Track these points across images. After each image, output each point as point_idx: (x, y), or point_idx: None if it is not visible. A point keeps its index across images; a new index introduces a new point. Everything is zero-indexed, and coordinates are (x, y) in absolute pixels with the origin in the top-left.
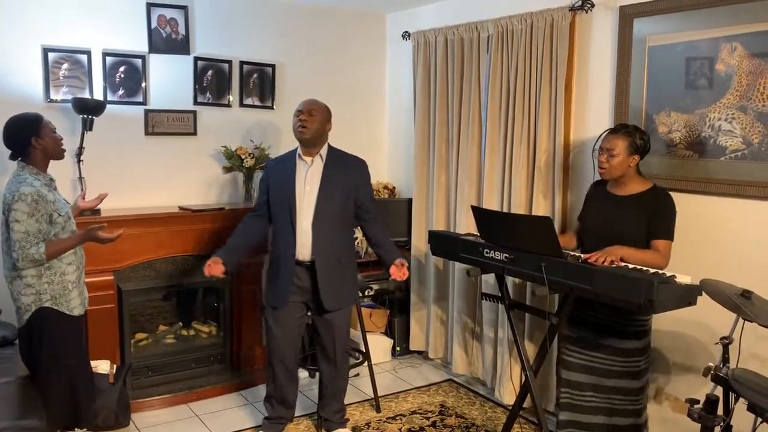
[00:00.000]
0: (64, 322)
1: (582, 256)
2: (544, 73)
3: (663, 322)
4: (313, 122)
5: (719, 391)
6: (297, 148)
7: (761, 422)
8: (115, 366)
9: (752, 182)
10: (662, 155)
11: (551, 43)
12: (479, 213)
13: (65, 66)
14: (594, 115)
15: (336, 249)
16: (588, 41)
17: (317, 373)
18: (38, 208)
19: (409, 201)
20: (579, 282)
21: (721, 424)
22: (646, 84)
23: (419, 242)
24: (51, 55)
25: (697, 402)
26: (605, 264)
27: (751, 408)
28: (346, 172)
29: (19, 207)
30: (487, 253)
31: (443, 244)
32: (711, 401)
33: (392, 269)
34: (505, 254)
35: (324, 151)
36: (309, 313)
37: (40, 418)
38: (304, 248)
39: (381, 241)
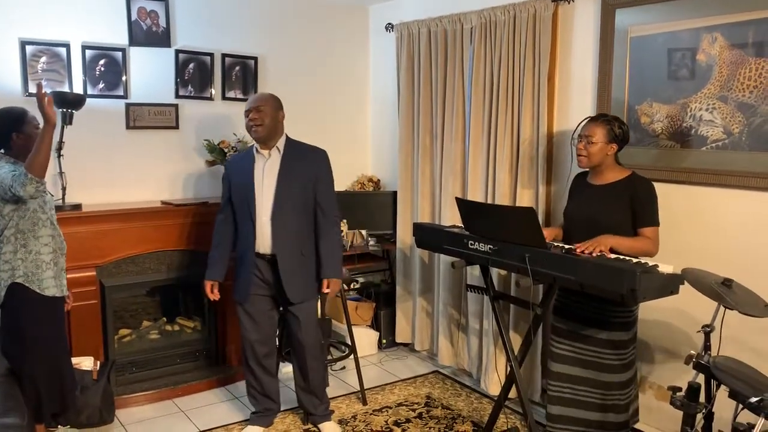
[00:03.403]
0: (38, 302)
1: (568, 246)
2: (527, 64)
3: (646, 311)
4: (264, 117)
5: (701, 379)
6: (254, 144)
7: (742, 409)
8: (98, 362)
9: (733, 172)
10: (645, 146)
11: (534, 34)
12: (463, 204)
13: (43, 59)
14: (576, 106)
15: (297, 241)
16: (570, 32)
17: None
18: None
19: (394, 194)
20: (563, 272)
21: (703, 411)
22: (628, 75)
23: (404, 235)
24: (29, 48)
25: (680, 390)
26: (594, 254)
27: (733, 395)
28: (304, 162)
29: None
30: (471, 244)
31: (428, 236)
32: (693, 389)
33: (325, 284)
34: (489, 245)
35: (281, 143)
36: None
37: (21, 416)
38: (264, 241)
39: (324, 248)
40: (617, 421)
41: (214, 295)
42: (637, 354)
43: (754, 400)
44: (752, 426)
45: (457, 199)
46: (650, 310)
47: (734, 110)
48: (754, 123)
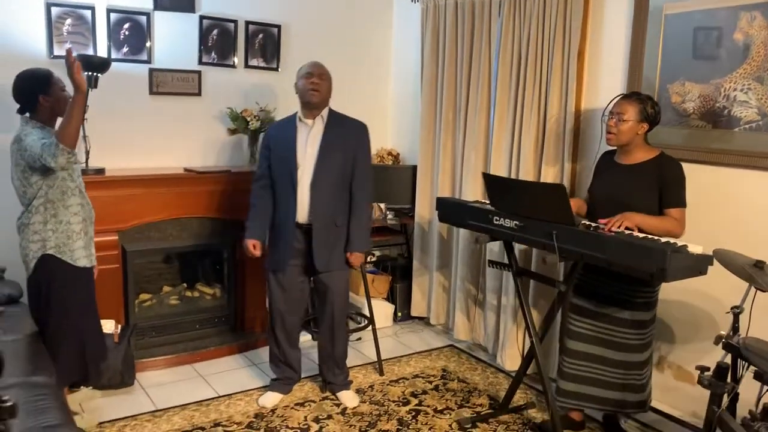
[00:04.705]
0: (69, 273)
1: (594, 224)
2: (557, 39)
3: (667, 291)
4: (323, 86)
5: (727, 360)
6: (297, 112)
7: (767, 390)
8: (119, 326)
9: (767, 154)
10: (675, 125)
11: (565, 9)
12: (490, 180)
13: (69, 21)
14: (606, 84)
15: (333, 212)
16: (603, 7)
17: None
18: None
19: (414, 168)
20: (591, 250)
21: (731, 391)
22: (661, 53)
23: (423, 209)
24: (54, 10)
25: (708, 369)
26: (620, 229)
27: (758, 376)
28: (346, 134)
29: (26, 132)
30: (496, 220)
31: (451, 211)
32: (722, 369)
33: (348, 255)
34: (515, 221)
35: (325, 113)
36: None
37: (49, 374)
38: (302, 210)
39: (354, 221)
40: (635, 400)
41: (257, 252)
42: (655, 334)
43: None
44: None
45: (483, 174)
46: (671, 291)
47: None
48: None
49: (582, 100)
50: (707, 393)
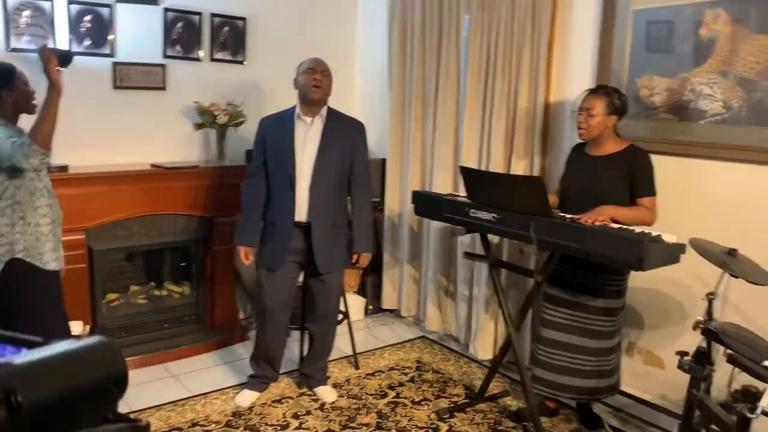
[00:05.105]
0: (39, 278)
1: (571, 216)
2: (527, 33)
3: (635, 280)
4: (326, 82)
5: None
6: (294, 108)
7: (739, 372)
8: (87, 327)
9: (731, 145)
10: (643, 118)
11: (534, 2)
12: (467, 173)
13: (26, 13)
14: (576, 77)
15: (331, 211)
16: (572, 2)
17: (298, 332)
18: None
19: (383, 161)
20: (568, 241)
21: (709, 374)
22: (629, 47)
23: (393, 202)
24: (10, 1)
25: (687, 354)
26: (597, 224)
27: (731, 359)
28: (344, 133)
29: None
30: (473, 213)
31: (427, 204)
32: (701, 353)
33: (355, 257)
34: (492, 214)
35: (324, 111)
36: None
37: None
38: (301, 210)
39: (357, 222)
40: (606, 385)
41: (249, 261)
42: (624, 320)
43: (767, 363)
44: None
45: (461, 167)
46: (639, 279)
47: (734, 85)
48: (754, 98)
49: (551, 94)
50: (676, 377)
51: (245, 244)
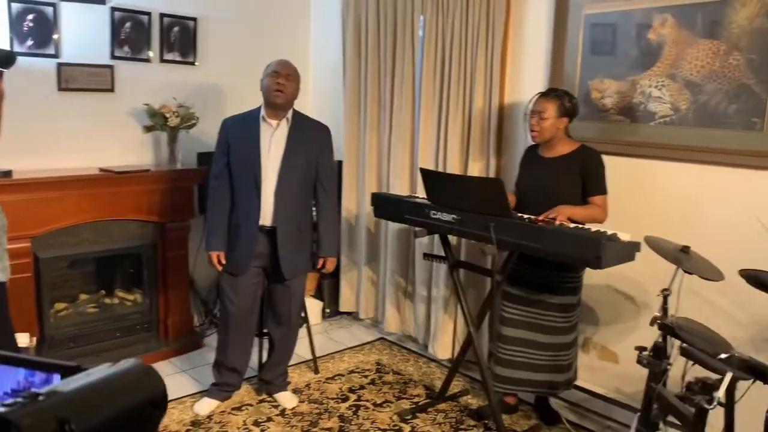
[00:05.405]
0: None
1: (529, 216)
2: (481, 35)
3: (590, 277)
4: (290, 87)
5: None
6: (259, 109)
7: (693, 365)
8: (34, 339)
9: (679, 146)
10: (595, 120)
11: (488, 5)
12: (428, 175)
13: None
14: (529, 79)
15: (296, 216)
16: (525, 5)
17: (257, 338)
18: None
19: (339, 163)
20: (528, 241)
21: (666, 368)
22: (581, 50)
23: (350, 204)
24: None
25: (645, 349)
26: (555, 223)
27: (685, 352)
28: (309, 137)
29: None
30: (434, 214)
31: (387, 206)
32: (659, 348)
33: (321, 262)
34: (452, 215)
35: (290, 115)
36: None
37: None
38: (266, 214)
39: (323, 226)
40: (563, 379)
41: (220, 266)
42: (580, 316)
43: (723, 356)
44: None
45: (421, 169)
46: (594, 276)
47: (682, 87)
48: (700, 100)
49: (506, 96)
50: (630, 371)
51: (216, 249)
